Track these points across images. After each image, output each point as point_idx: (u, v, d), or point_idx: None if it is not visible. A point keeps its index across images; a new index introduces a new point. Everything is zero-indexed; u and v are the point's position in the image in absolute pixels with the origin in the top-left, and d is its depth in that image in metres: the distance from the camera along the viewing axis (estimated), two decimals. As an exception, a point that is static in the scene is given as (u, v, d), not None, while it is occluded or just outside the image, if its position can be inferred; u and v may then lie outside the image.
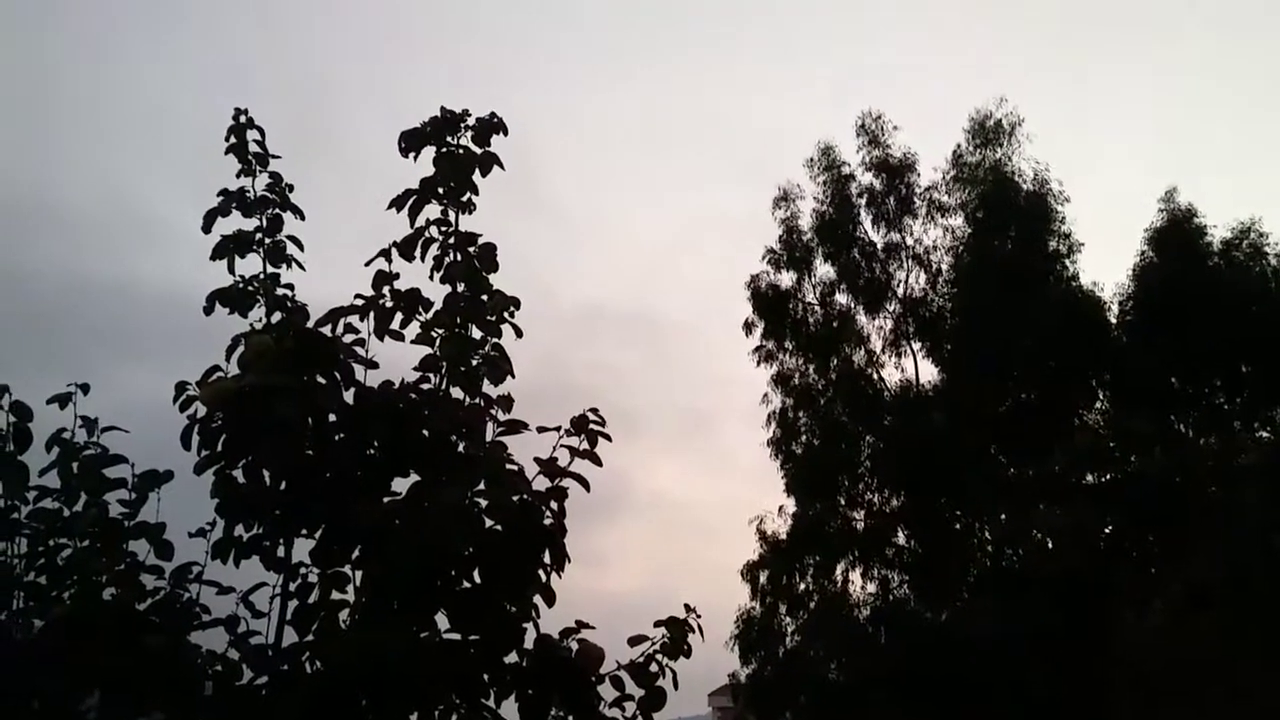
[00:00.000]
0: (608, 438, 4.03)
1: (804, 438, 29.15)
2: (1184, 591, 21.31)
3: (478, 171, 4.14)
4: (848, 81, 52.77)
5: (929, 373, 29.15)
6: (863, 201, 30.04)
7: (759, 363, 29.72)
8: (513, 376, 4.03)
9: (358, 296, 4.01)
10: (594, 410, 4.05)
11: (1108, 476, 26.48)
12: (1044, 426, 26.13)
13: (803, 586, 28.24)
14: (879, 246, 29.99)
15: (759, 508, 29.43)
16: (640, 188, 52.58)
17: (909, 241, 29.93)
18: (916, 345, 29.42)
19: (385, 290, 4.04)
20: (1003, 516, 27.22)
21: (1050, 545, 26.30)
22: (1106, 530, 25.91)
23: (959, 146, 29.72)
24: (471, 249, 4.12)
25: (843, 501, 28.72)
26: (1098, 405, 27.55)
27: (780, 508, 28.91)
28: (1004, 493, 26.58)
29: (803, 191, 30.49)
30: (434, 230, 4.12)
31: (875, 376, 29.53)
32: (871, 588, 27.89)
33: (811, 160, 30.48)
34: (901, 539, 28.04)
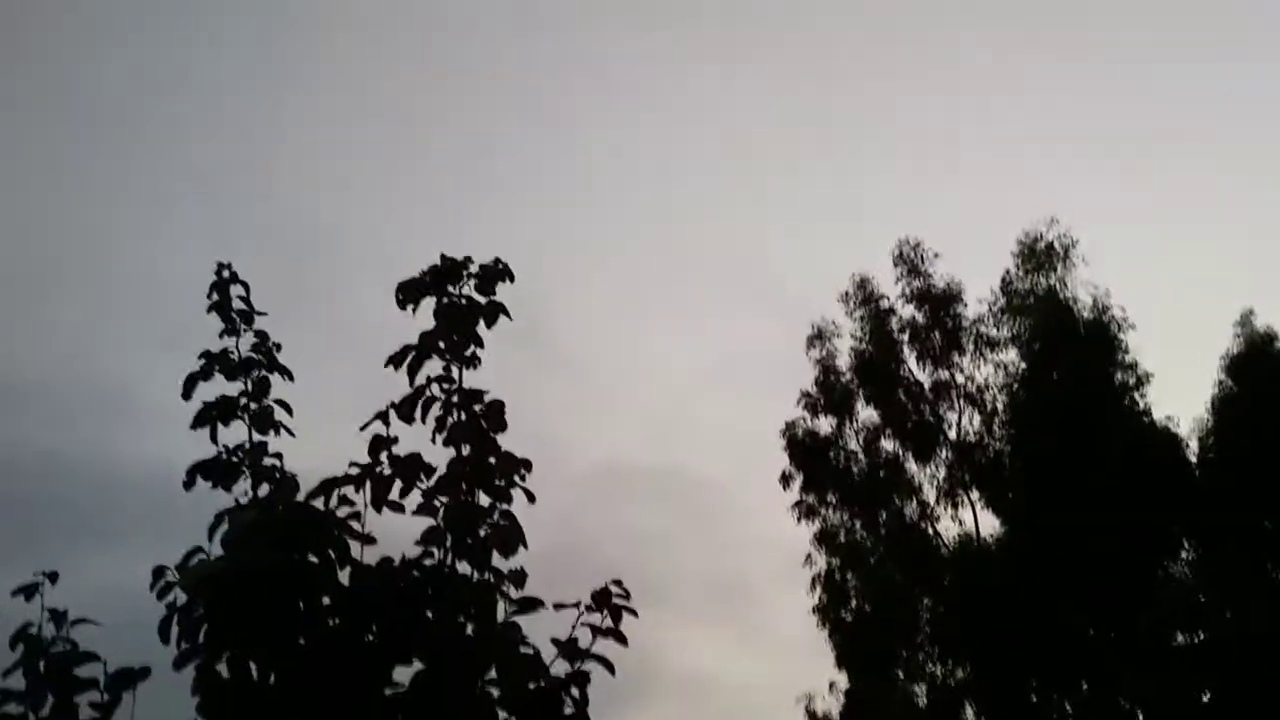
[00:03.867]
0: (633, 613, 3.99)
1: (854, 603, 28.75)
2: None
3: (482, 323, 4.20)
4: (880, 206, 53.61)
5: (990, 524, 28.92)
6: (905, 337, 30.29)
7: (799, 519, 29.56)
8: (525, 547, 4.01)
9: (353, 465, 4.02)
10: (617, 582, 4.02)
11: (1201, 635, 25.88)
12: (1124, 581, 25.69)
13: (861, 775, 27.46)
14: (926, 386, 30.13)
15: (807, 684, 28.88)
16: (658, 331, 53.07)
17: (959, 379, 30.06)
18: (974, 494, 29.24)
19: (383, 456, 4.06)
20: (1084, 685, 26.53)
21: (1140, 717, 25.54)
22: (1204, 698, 25.18)
23: (1008, 273, 30.05)
24: (477, 407, 4.15)
25: (901, 674, 28.14)
26: (1183, 554, 27.13)
27: (831, 684, 28.37)
28: (1084, 658, 25.96)
29: (838, 328, 30.80)
30: (435, 388, 4.16)
31: (930, 530, 29.29)
32: (940, 774, 27.12)
33: (846, 294, 30.87)
34: (970, 715, 27.35)
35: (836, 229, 52.35)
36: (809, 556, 29.35)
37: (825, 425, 30.12)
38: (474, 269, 4.26)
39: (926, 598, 28.44)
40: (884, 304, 30.53)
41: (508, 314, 4.24)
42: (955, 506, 29.34)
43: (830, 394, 30.17)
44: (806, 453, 29.67)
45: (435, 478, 4.06)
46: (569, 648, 3.87)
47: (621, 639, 3.95)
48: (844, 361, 30.49)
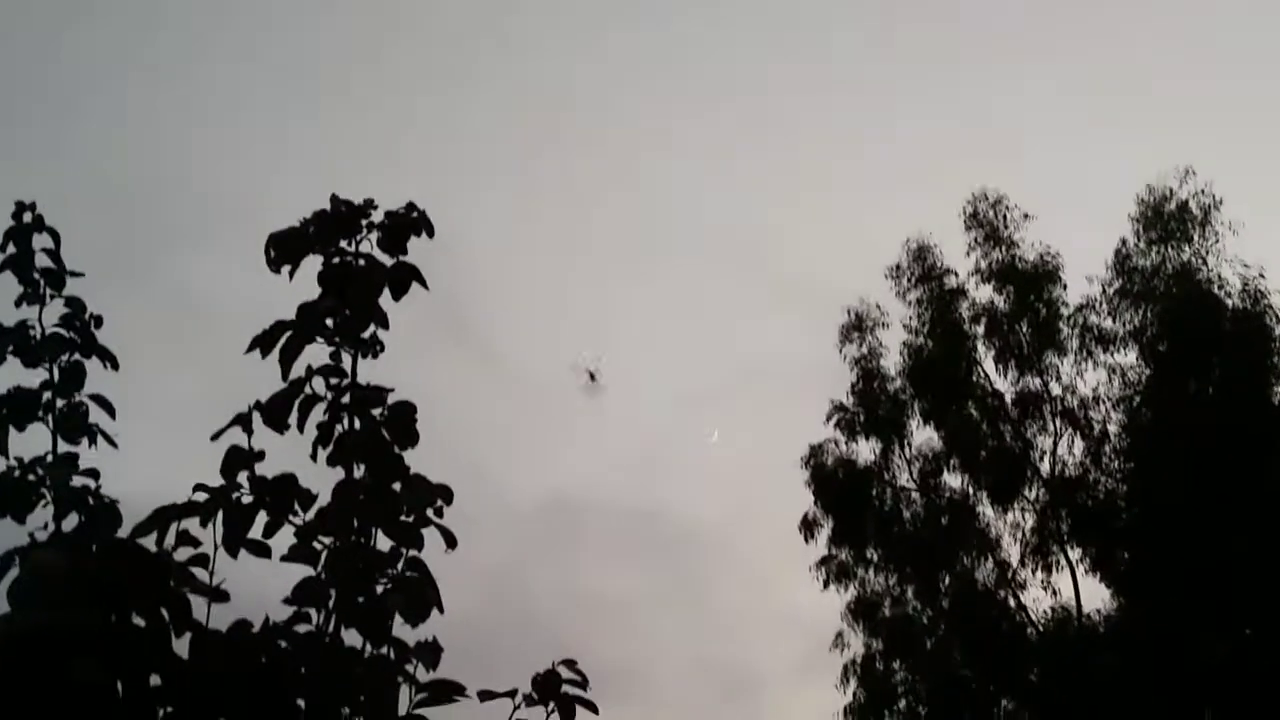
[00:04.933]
0: (591, 707, 4.00)
1: (903, 703, 28.80)
2: None
3: (387, 293, 4.19)
4: (938, 165, 53.53)
5: (1097, 595, 28.97)
6: (980, 329, 30.39)
7: (827, 583, 29.63)
8: (441, 611, 4.01)
9: (199, 488, 4.01)
10: (569, 663, 4.03)
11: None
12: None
13: None
14: (1008, 398, 30.20)
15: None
16: (634, 330, 53.01)
17: (1055, 390, 30.12)
18: (1075, 551, 29.28)
19: (242, 478, 4.04)
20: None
21: None
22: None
23: (1123, 244, 30.07)
24: (377, 412, 4.14)
25: (968, 804, 28.22)
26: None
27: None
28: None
29: (885, 315, 30.87)
30: (319, 384, 4.15)
31: (1012, 602, 29.34)
32: None
33: (898, 268, 30.94)
34: None
35: (879, 196, 52.45)
36: (840, 636, 29.48)
37: (866, 452, 30.24)
38: (377, 217, 4.25)
39: (1005, 698, 28.50)
40: (951, 281, 30.60)
41: (423, 282, 4.23)
42: (1048, 569, 29.43)
43: (873, 407, 30.23)
44: (839, 490, 29.71)
45: (316, 509, 4.06)
46: (500, 754, 3.89)
47: (575, 743, 3.96)
48: (892, 362, 30.61)
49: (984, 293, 30.53)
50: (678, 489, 51.76)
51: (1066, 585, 29.20)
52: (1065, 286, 30.35)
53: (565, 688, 3.99)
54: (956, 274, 30.71)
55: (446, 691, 3.95)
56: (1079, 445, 29.93)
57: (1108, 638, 27.87)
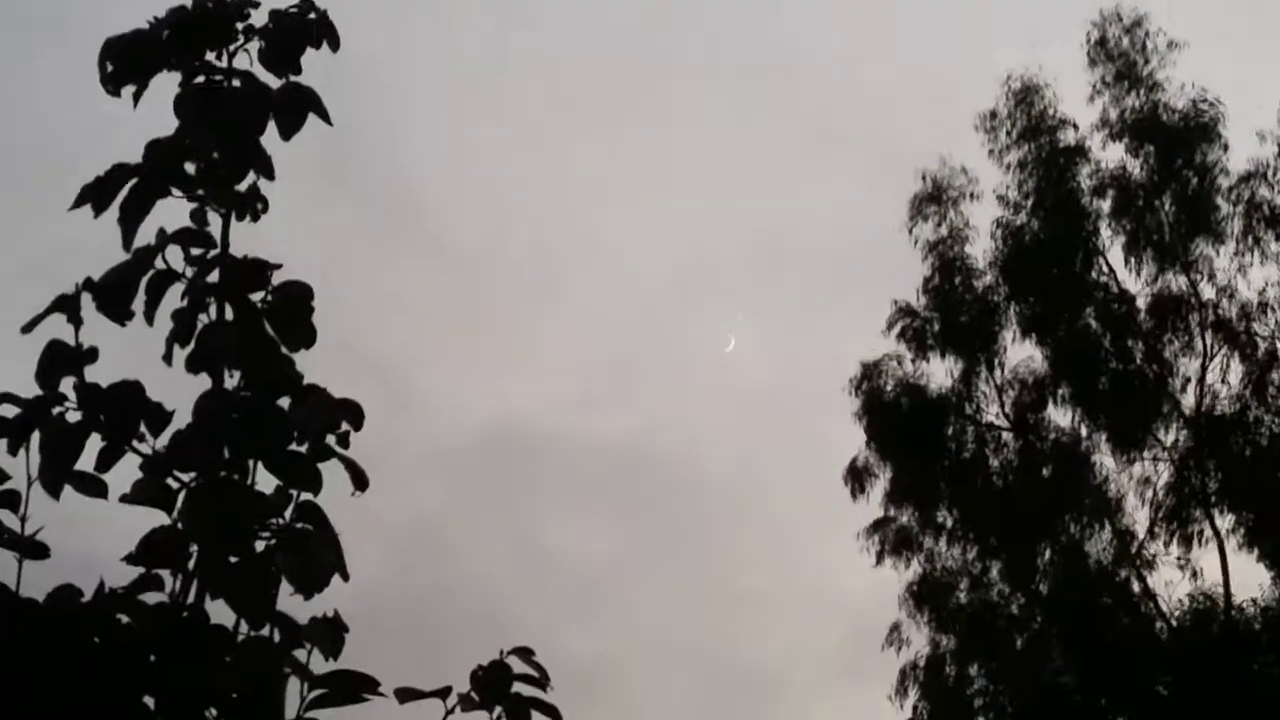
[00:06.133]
0: (554, 713, 4.01)
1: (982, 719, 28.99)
2: None
3: (273, 128, 4.16)
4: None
5: (1253, 578, 29.08)
6: (1105, 204, 30.41)
7: (882, 556, 29.79)
8: (344, 578, 4.02)
9: (5, 400, 4.00)
10: (523, 652, 4.03)
11: None
12: None
13: None
14: (1141, 303, 30.18)
15: None
16: (618, 178, 52.94)
17: (1207, 293, 30.14)
18: (1225, 519, 29.38)
19: (66, 386, 4.03)
20: None
21: None
22: None
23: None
24: (258, 296, 4.12)
25: None
26: None
27: None
28: None
29: (975, 182, 30.79)
30: (176, 255, 4.13)
31: (1136, 587, 29.49)
32: None
33: (992, 115, 30.83)
34: None
35: (967, 16, 52.30)
36: (896, 629, 29.71)
37: (941, 374, 30.35)
38: (259, 19, 4.21)
39: (1123, 716, 28.74)
40: (1067, 137, 30.53)
41: (324, 113, 4.21)
42: (1187, 541, 29.58)
43: (953, 311, 30.32)
44: (902, 427, 29.85)
45: (170, 432, 4.05)
46: (426, 777, 3.90)
47: (529, 764, 3.98)
48: (981, 250, 30.61)
49: (1112, 154, 30.61)
50: (674, 419, 51.90)
51: (1212, 564, 29.41)
52: (1226, 147, 30.28)
53: (518, 686, 4.00)
54: (1076, 126, 30.75)
55: (352, 688, 3.94)
56: (1237, 370, 30.06)
57: (1268, 636, 28.06)
